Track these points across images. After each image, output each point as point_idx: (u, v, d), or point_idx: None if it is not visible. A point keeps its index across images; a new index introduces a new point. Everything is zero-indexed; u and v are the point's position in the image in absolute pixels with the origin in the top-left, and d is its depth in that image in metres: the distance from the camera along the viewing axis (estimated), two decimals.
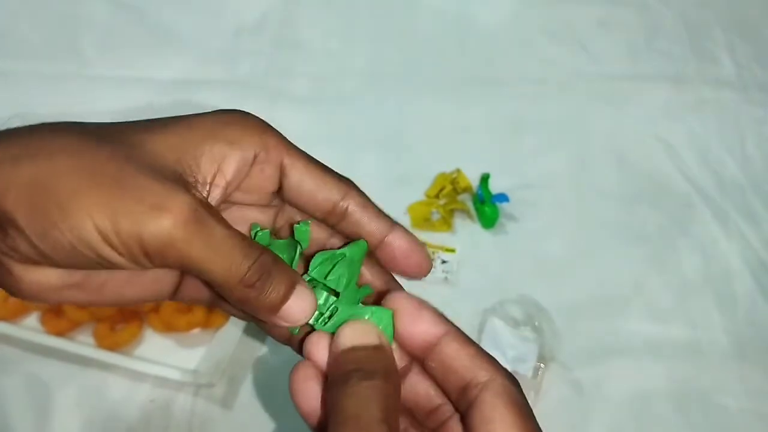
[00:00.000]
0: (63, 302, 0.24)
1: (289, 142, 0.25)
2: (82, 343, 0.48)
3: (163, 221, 0.21)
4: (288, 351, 0.56)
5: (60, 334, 0.49)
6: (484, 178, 0.59)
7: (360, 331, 0.23)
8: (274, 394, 0.49)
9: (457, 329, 0.24)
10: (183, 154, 0.23)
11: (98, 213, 0.21)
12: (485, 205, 0.58)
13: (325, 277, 0.24)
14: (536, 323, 0.52)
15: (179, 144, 0.23)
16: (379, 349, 0.23)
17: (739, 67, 0.72)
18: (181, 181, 0.22)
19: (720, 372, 0.51)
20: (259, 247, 0.23)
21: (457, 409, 0.23)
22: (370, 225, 0.25)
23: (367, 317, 0.24)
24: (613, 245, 0.59)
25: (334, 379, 0.22)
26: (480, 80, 0.71)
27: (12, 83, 0.68)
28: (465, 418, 0.22)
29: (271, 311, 0.23)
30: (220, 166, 0.23)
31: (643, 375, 0.51)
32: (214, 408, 0.48)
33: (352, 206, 0.25)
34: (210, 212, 0.22)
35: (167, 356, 0.49)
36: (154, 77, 0.69)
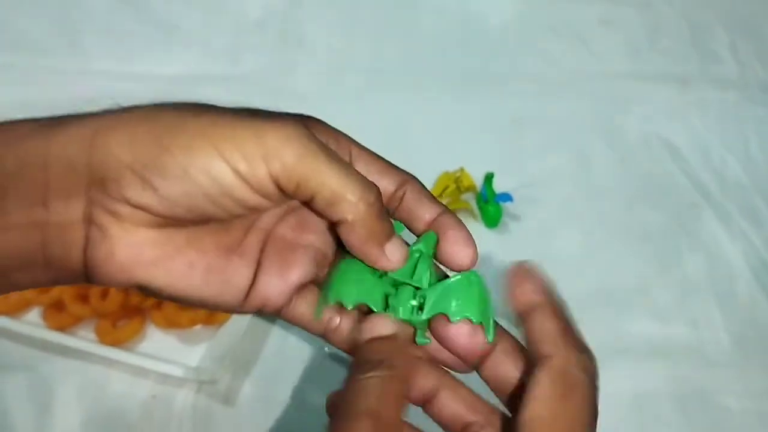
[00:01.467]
0: (151, 284, 0.22)
1: (353, 139, 0.26)
2: (84, 339, 0.48)
3: (279, 122, 0.21)
4: (290, 347, 0.56)
5: (62, 329, 0.49)
6: (488, 178, 0.59)
7: (375, 324, 0.23)
8: (277, 390, 0.49)
9: (557, 301, 0.25)
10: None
11: (217, 132, 0.20)
12: (488, 204, 0.58)
13: (411, 277, 0.24)
14: None
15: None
16: (389, 339, 0.23)
17: (742, 66, 0.72)
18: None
19: (722, 372, 0.51)
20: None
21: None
22: (422, 209, 0.25)
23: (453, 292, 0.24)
24: (616, 245, 0.59)
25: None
26: (483, 79, 0.71)
27: (12, 77, 0.68)
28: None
29: (383, 241, 0.23)
30: None
31: (645, 374, 0.51)
32: (217, 404, 0.48)
33: (409, 192, 0.25)
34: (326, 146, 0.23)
35: (169, 352, 0.49)
36: (156, 72, 0.69)
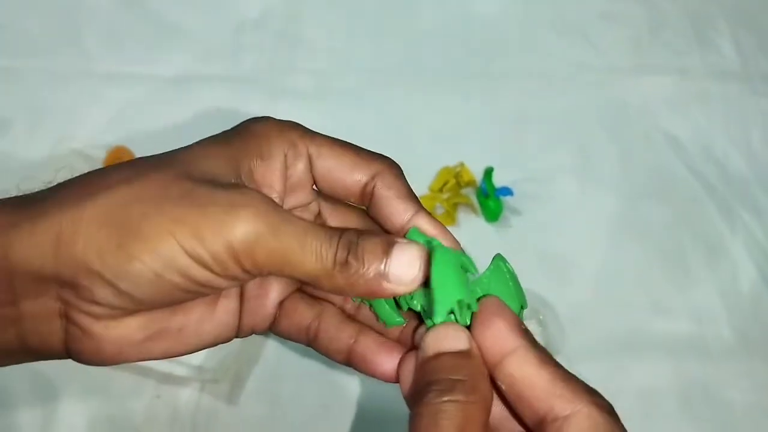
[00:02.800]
0: (144, 359, 0.23)
1: (314, 132, 0.24)
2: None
3: (245, 216, 0.20)
4: (294, 347, 0.56)
5: None
6: (488, 172, 0.59)
7: (444, 335, 0.21)
8: (280, 389, 0.49)
9: (531, 342, 0.20)
10: (235, 168, 0.22)
11: (179, 230, 0.20)
12: (489, 198, 0.58)
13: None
14: (541, 317, 0.52)
15: (229, 159, 0.22)
16: (464, 356, 0.20)
17: (744, 58, 0.71)
18: (248, 187, 0.22)
19: (725, 366, 0.51)
20: (338, 228, 0.22)
21: None
22: (391, 208, 0.23)
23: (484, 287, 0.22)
24: (618, 239, 0.58)
25: (414, 395, 0.20)
26: (483, 74, 0.71)
27: (14, 79, 0.68)
28: None
29: (377, 280, 0.21)
30: (264, 180, 0.23)
31: (648, 369, 0.51)
32: (220, 404, 0.48)
33: (379, 187, 0.24)
34: (289, 213, 0.21)
35: None
36: (156, 73, 0.69)
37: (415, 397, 0.19)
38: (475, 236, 0.57)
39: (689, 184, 0.62)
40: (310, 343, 0.25)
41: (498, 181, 0.59)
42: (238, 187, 0.21)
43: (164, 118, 0.65)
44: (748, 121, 0.67)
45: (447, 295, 0.21)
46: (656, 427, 0.49)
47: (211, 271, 0.20)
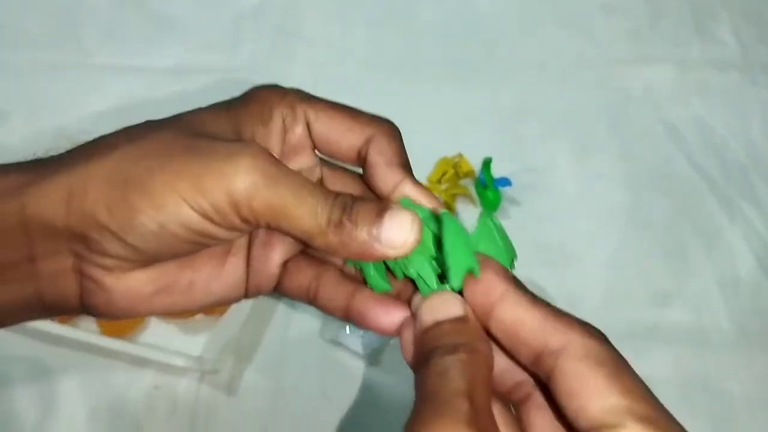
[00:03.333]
0: (155, 312, 0.24)
1: (312, 95, 0.25)
2: (86, 330, 0.49)
3: (244, 166, 0.20)
4: (291, 336, 0.56)
5: (64, 320, 0.49)
6: (486, 163, 0.59)
7: (440, 304, 0.21)
8: (279, 379, 0.49)
9: (517, 285, 0.21)
10: (237, 130, 0.23)
11: (181, 183, 0.20)
12: (487, 189, 0.58)
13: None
14: None
15: (231, 121, 0.23)
16: (461, 321, 0.21)
17: (744, 48, 0.71)
18: (253, 143, 0.22)
19: (724, 357, 0.51)
20: (335, 191, 0.22)
21: (536, 381, 0.21)
22: (380, 174, 0.23)
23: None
24: (617, 230, 0.58)
25: (418, 362, 0.21)
26: (482, 65, 0.71)
27: (12, 73, 0.68)
28: (549, 393, 0.20)
29: (369, 242, 0.21)
30: (264, 144, 0.24)
31: (647, 361, 0.51)
32: (219, 394, 0.48)
33: (371, 153, 0.24)
34: (288, 168, 0.22)
35: (171, 342, 0.49)
36: (154, 65, 0.69)
37: (420, 363, 0.20)
38: (474, 227, 0.57)
39: (689, 174, 0.62)
40: (311, 301, 0.25)
41: (496, 171, 0.59)
42: (238, 140, 0.22)
43: (162, 110, 0.64)
44: (747, 111, 0.66)
45: (460, 261, 0.21)
46: None
47: (212, 221, 0.21)
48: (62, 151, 0.23)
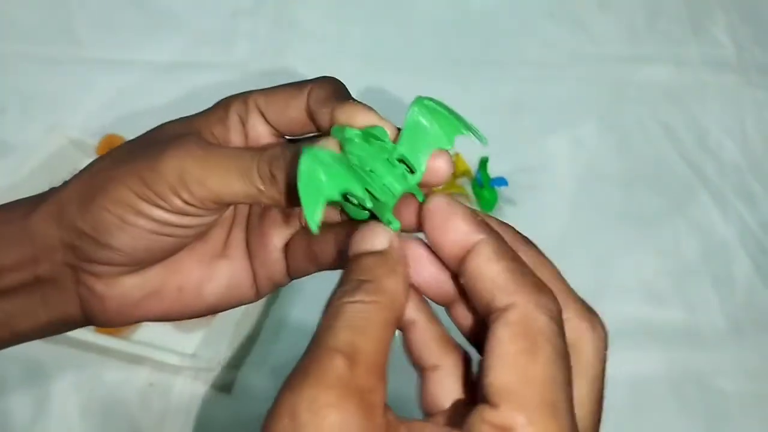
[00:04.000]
0: (150, 318, 0.25)
1: (262, 88, 0.25)
2: (80, 328, 0.48)
3: (171, 154, 0.22)
4: (286, 333, 0.56)
5: None
6: (483, 162, 0.58)
7: (365, 235, 0.20)
8: (274, 377, 0.49)
9: (496, 239, 0.20)
10: (196, 133, 0.24)
11: (129, 178, 0.22)
12: (484, 188, 0.58)
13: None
14: None
15: (191, 126, 0.24)
16: (378, 256, 0.20)
17: (740, 49, 0.71)
18: (191, 135, 0.23)
19: (717, 354, 0.51)
20: (265, 145, 0.23)
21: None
22: (320, 115, 0.22)
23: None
24: (612, 228, 0.59)
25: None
26: (479, 62, 0.70)
27: (6, 66, 0.67)
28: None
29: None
30: (226, 142, 0.24)
31: (641, 358, 0.51)
32: (214, 392, 0.48)
33: (311, 105, 0.23)
34: (217, 145, 0.23)
35: (166, 340, 0.49)
36: (149, 59, 0.69)
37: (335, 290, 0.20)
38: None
39: (684, 173, 0.62)
40: (319, 267, 0.25)
41: (493, 171, 0.59)
42: (181, 135, 0.23)
43: (157, 104, 0.65)
44: (742, 111, 0.67)
45: (311, 200, 0.20)
46: (648, 415, 0.49)
47: (161, 208, 0.22)
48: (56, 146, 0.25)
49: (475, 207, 0.59)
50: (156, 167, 0.22)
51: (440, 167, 0.22)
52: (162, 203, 0.22)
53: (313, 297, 0.55)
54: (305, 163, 0.20)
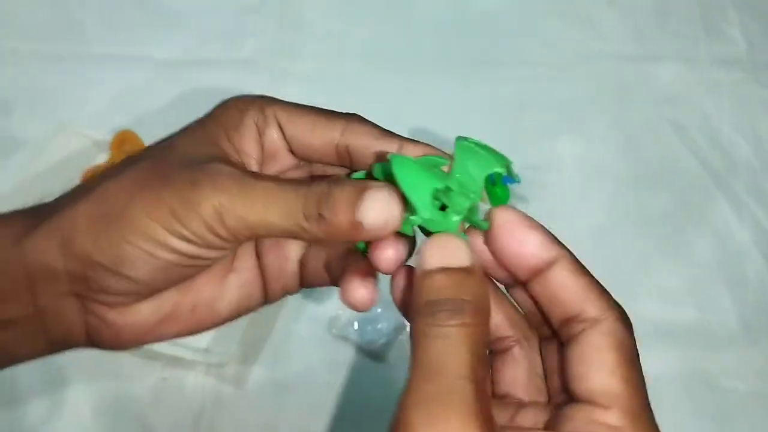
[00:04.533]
0: (162, 339, 0.24)
1: (282, 101, 0.25)
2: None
3: (206, 192, 0.21)
4: (298, 329, 0.56)
5: None
6: None
7: (444, 246, 0.20)
8: (286, 372, 0.49)
9: (571, 255, 0.22)
10: (213, 143, 0.23)
11: (157, 212, 0.21)
12: (496, 185, 0.57)
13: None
14: None
15: (205, 137, 0.23)
16: (469, 274, 0.20)
17: (752, 46, 0.71)
18: (218, 159, 0.22)
19: (729, 355, 0.51)
20: (306, 180, 0.23)
21: (557, 338, 0.22)
22: (374, 149, 0.23)
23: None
24: (624, 227, 0.58)
25: (418, 308, 0.20)
26: (486, 61, 0.70)
27: (14, 62, 0.67)
28: (563, 351, 0.21)
29: (354, 228, 0.20)
30: (240, 149, 0.24)
31: (652, 357, 0.50)
32: (226, 387, 0.48)
33: (352, 140, 0.23)
34: (250, 173, 0.22)
35: None
36: (156, 56, 0.69)
37: (420, 313, 0.19)
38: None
39: (695, 172, 0.62)
40: (335, 282, 0.25)
41: None
42: (202, 163, 0.22)
43: (164, 101, 0.65)
44: (754, 109, 0.66)
45: (419, 190, 0.21)
46: (659, 413, 0.49)
47: (194, 243, 0.21)
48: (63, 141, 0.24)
49: (487, 204, 0.59)
50: (190, 203, 0.21)
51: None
52: (198, 240, 0.21)
53: (327, 291, 0.55)
54: (399, 162, 0.21)
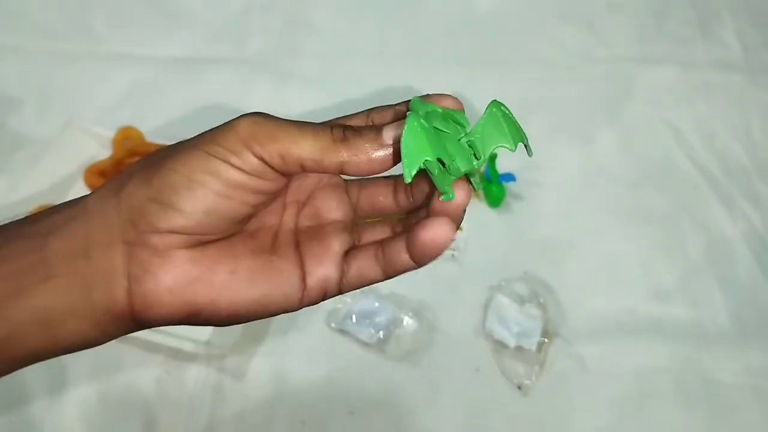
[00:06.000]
0: (195, 301, 0.24)
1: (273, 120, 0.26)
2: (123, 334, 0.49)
3: (245, 117, 0.24)
4: (299, 322, 0.57)
5: None
6: (492, 158, 0.59)
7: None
8: (286, 364, 0.50)
9: None
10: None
11: (199, 141, 0.24)
12: (492, 184, 0.59)
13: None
14: (541, 300, 0.53)
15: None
16: None
17: (747, 50, 0.72)
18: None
19: (721, 351, 0.52)
20: None
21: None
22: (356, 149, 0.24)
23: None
24: (618, 226, 0.59)
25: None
26: (488, 61, 0.71)
27: (23, 60, 0.68)
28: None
29: (379, 143, 0.24)
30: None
31: (645, 352, 0.52)
32: (227, 378, 0.49)
33: (376, 116, 0.26)
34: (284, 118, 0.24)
35: (180, 327, 0.49)
36: (163, 55, 0.69)
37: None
38: (478, 221, 0.58)
39: (690, 173, 0.63)
40: (386, 271, 0.26)
41: (501, 167, 0.59)
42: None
43: (171, 99, 0.65)
44: (749, 112, 0.67)
45: (413, 157, 0.23)
46: (652, 407, 0.50)
47: (230, 164, 0.23)
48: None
49: (484, 202, 0.60)
50: (229, 126, 0.23)
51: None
52: (232, 158, 0.23)
53: None
54: (411, 123, 0.23)
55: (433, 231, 0.24)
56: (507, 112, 0.25)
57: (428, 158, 0.23)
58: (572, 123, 0.67)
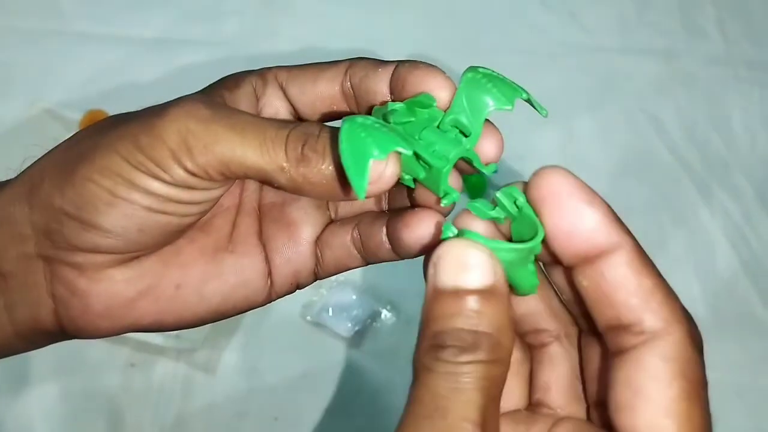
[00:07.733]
0: (141, 323, 0.21)
1: (284, 66, 0.23)
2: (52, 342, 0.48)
3: (172, 114, 0.19)
4: (271, 316, 0.56)
5: None
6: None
7: (466, 263, 0.16)
8: (258, 359, 0.49)
9: (635, 244, 0.18)
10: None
11: (120, 144, 0.19)
12: (472, 175, 0.58)
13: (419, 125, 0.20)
14: None
15: (198, 96, 0.22)
16: (490, 298, 0.16)
17: (729, 43, 0.72)
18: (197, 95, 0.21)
19: None
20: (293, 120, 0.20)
21: (601, 340, 0.18)
22: (375, 82, 0.20)
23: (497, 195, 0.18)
24: None
25: (425, 334, 0.16)
26: (469, 49, 0.70)
27: None
28: (608, 361, 0.17)
29: (333, 179, 0.19)
30: (234, 105, 0.22)
31: None
32: (196, 373, 0.48)
33: (355, 77, 0.21)
34: (231, 107, 0.20)
35: None
36: (134, 35, 0.67)
37: (425, 341, 0.16)
38: (458, 212, 0.57)
39: (669, 164, 0.63)
40: (366, 258, 0.22)
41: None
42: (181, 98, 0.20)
43: (142, 80, 0.64)
44: (729, 105, 0.67)
45: (356, 163, 0.18)
46: None
47: (159, 179, 0.19)
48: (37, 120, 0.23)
49: (464, 193, 0.59)
50: (154, 129, 0.19)
51: (494, 134, 0.20)
52: (160, 173, 0.19)
53: None
54: (347, 126, 0.18)
55: (419, 231, 0.20)
56: (489, 71, 0.21)
57: (377, 157, 0.17)
58: (553, 112, 0.65)
